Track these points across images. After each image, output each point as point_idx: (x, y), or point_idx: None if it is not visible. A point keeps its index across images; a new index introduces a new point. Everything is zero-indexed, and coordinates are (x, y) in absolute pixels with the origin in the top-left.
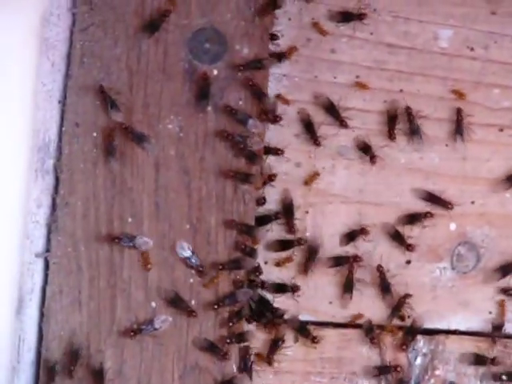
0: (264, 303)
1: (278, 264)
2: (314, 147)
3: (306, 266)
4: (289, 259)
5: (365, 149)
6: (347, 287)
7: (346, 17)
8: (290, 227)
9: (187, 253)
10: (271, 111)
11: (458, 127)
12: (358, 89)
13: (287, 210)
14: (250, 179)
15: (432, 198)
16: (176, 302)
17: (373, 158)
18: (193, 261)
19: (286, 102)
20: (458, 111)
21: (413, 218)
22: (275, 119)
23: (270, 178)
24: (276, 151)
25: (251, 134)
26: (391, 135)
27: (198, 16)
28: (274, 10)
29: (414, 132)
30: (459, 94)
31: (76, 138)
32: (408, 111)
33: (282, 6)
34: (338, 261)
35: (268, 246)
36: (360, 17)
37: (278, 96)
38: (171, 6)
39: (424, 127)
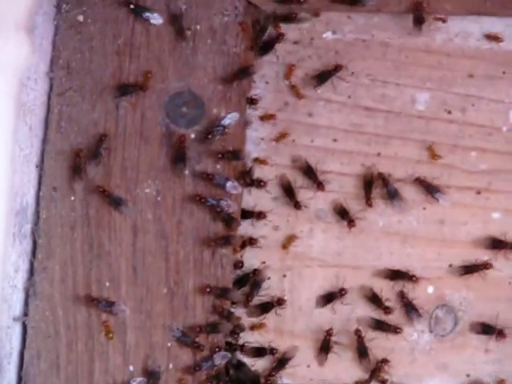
0: (242, 367)
1: (253, 328)
2: (292, 211)
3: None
4: (262, 325)
5: (342, 213)
6: (324, 348)
7: (322, 76)
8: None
9: (178, 333)
10: (249, 175)
11: (430, 190)
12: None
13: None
14: (230, 240)
15: (395, 275)
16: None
17: (350, 223)
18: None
19: (264, 162)
20: (418, 179)
21: (396, 275)
22: (259, 184)
23: (251, 241)
24: (258, 215)
25: (227, 197)
26: (368, 201)
27: (175, 80)
28: (245, 77)
29: (392, 195)
30: (432, 155)
31: (54, 203)
32: (381, 176)
33: (256, 71)
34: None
35: (248, 311)
36: (336, 69)
37: (256, 159)
38: (147, 82)
39: (402, 190)
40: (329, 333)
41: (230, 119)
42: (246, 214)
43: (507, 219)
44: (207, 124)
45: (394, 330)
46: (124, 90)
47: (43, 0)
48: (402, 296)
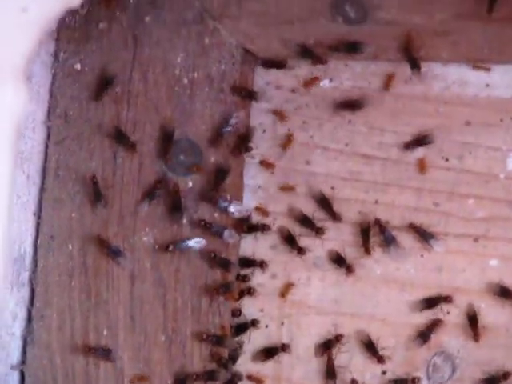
0: None
1: (251, 378)
2: (289, 259)
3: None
4: (259, 380)
5: (339, 260)
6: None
7: None
8: None
9: None
10: (247, 222)
11: (425, 236)
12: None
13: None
14: (229, 288)
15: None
16: None
17: (348, 269)
18: None
19: (266, 213)
20: (411, 225)
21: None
22: (263, 228)
23: (249, 291)
24: (261, 265)
25: (231, 227)
26: (366, 249)
27: (172, 127)
28: (245, 151)
29: (389, 242)
30: (422, 167)
31: (51, 251)
32: (378, 223)
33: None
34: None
35: (253, 356)
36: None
37: (257, 208)
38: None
39: (399, 238)
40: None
41: (235, 118)
42: (248, 263)
43: (505, 266)
44: (206, 171)
45: None
46: (120, 139)
47: (40, 48)
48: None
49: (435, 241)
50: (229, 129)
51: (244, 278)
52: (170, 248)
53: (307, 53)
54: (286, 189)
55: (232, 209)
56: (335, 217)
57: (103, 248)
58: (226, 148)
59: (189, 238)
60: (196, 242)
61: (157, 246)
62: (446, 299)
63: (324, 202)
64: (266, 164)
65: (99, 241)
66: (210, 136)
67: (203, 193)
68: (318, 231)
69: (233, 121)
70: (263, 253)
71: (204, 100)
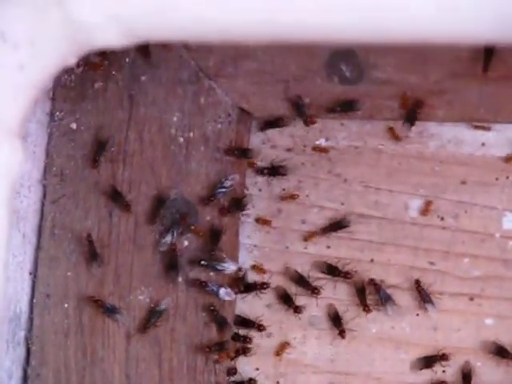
0: None
1: None
2: (285, 317)
3: None
4: None
5: (335, 320)
6: None
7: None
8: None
9: None
10: (242, 282)
11: (423, 297)
12: None
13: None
14: (224, 347)
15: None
16: None
17: (342, 333)
18: None
19: (263, 271)
20: (416, 282)
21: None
22: (262, 287)
23: (244, 350)
24: (259, 327)
25: (227, 286)
26: (365, 308)
27: (168, 187)
28: (239, 209)
29: (385, 301)
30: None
31: (47, 310)
32: (372, 282)
33: (247, 204)
34: None
35: None
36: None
37: (254, 266)
38: None
39: (395, 297)
40: None
41: (231, 181)
42: (245, 323)
43: (500, 325)
44: (202, 230)
45: None
46: (115, 198)
47: (36, 108)
48: None
49: (430, 305)
50: (223, 190)
51: (245, 340)
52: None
53: (299, 110)
54: (263, 221)
55: (221, 293)
56: (314, 292)
57: (99, 307)
58: (222, 207)
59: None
60: None
61: (152, 305)
62: (443, 357)
63: (301, 281)
64: (262, 221)
65: (94, 300)
66: (204, 197)
67: (198, 253)
68: (314, 291)
69: (227, 183)
70: (259, 311)
71: (200, 159)
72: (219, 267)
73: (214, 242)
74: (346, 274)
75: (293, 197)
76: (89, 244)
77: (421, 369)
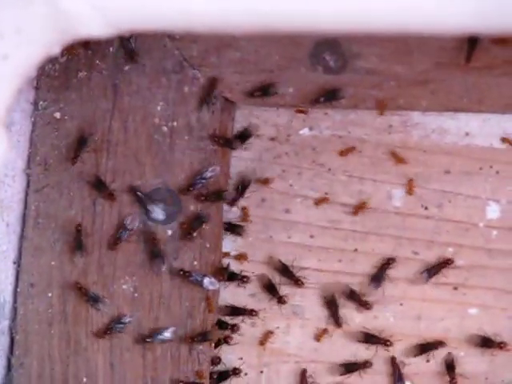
0: None
1: None
2: (268, 307)
3: None
4: None
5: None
6: None
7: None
8: None
9: None
10: (226, 271)
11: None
12: None
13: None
14: (207, 336)
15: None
16: None
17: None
18: None
19: (245, 258)
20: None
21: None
22: (242, 279)
23: (226, 339)
24: (250, 312)
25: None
26: (337, 322)
27: (152, 176)
28: (218, 200)
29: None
30: (398, 159)
31: (31, 299)
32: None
33: (226, 197)
34: None
35: None
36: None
37: (237, 256)
38: None
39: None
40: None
41: (211, 172)
42: (236, 311)
43: (484, 315)
44: (184, 218)
45: None
46: (99, 188)
47: (20, 97)
48: None
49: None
50: (203, 181)
51: (233, 328)
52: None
53: None
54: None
55: (205, 283)
56: (298, 283)
57: (82, 295)
58: (198, 195)
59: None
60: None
61: (136, 295)
62: (441, 344)
63: (285, 270)
64: (245, 213)
65: (78, 287)
66: (183, 186)
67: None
68: (297, 282)
69: (207, 174)
70: (243, 301)
71: (183, 149)
72: (198, 279)
73: (193, 228)
74: (297, 280)
75: (265, 182)
76: (76, 233)
77: (415, 356)
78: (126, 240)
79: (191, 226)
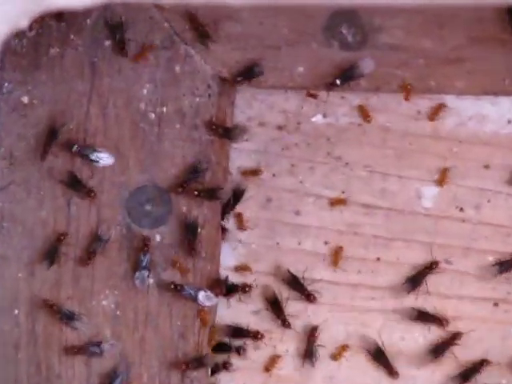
0: None
1: None
2: (275, 326)
3: None
4: None
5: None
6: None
7: None
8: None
9: None
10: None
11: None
12: None
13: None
14: (203, 362)
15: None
16: None
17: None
18: None
19: (248, 269)
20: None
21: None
22: (244, 289)
23: (225, 365)
24: (255, 335)
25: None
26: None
27: (137, 172)
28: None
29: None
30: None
31: None
32: None
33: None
34: None
35: None
36: None
37: (237, 267)
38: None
39: (406, 300)
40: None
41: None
42: (239, 333)
43: None
44: (176, 224)
45: None
46: (75, 184)
47: None
48: None
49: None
50: (196, 176)
51: (238, 351)
52: None
53: None
54: (249, 173)
55: (200, 298)
56: (310, 298)
57: (55, 313)
58: (198, 196)
59: None
60: None
61: (118, 312)
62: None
63: (295, 283)
64: (239, 220)
65: (49, 305)
66: (174, 183)
67: (173, 249)
68: (309, 296)
69: (202, 167)
70: (244, 319)
71: (174, 139)
72: (192, 293)
73: (190, 238)
74: (309, 296)
75: (256, 173)
76: (56, 243)
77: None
78: (101, 253)
79: (188, 235)
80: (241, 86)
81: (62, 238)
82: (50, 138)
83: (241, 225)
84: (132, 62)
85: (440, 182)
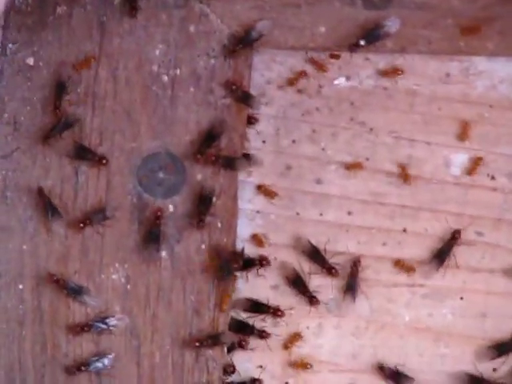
0: None
1: None
2: (295, 302)
3: None
4: None
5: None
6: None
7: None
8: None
9: None
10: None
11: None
12: None
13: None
14: (219, 339)
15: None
16: None
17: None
18: None
19: (262, 243)
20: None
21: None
22: (261, 262)
23: (240, 343)
24: (275, 312)
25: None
26: (311, 300)
27: (149, 138)
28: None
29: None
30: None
31: None
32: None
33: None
34: None
35: None
36: None
37: (254, 236)
38: None
39: (434, 274)
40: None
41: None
42: (258, 308)
43: None
44: (190, 194)
45: None
46: (83, 154)
47: None
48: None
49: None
50: (212, 142)
51: (262, 334)
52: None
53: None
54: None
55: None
56: (331, 272)
57: (61, 288)
58: (216, 163)
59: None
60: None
61: (129, 286)
62: None
63: (316, 256)
64: (265, 191)
65: (55, 280)
66: (191, 150)
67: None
68: (331, 271)
69: (218, 132)
70: (263, 294)
71: (188, 103)
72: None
73: (204, 208)
74: (331, 269)
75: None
76: (40, 198)
77: (492, 359)
78: (96, 224)
79: (200, 206)
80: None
81: (41, 192)
82: (60, 91)
83: (269, 194)
84: (75, 70)
85: (470, 171)
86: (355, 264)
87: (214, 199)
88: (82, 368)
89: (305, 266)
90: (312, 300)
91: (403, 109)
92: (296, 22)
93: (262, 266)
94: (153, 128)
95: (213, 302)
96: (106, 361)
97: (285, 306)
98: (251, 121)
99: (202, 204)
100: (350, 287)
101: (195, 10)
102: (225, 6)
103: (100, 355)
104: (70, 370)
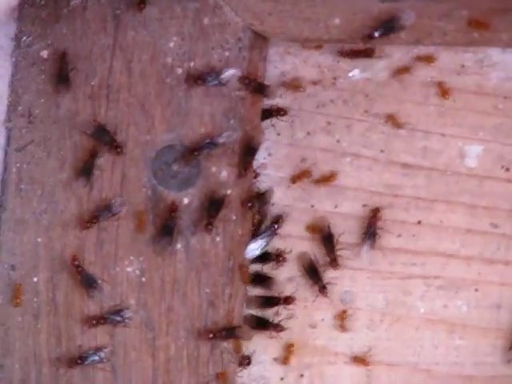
0: None
1: None
2: (310, 294)
3: None
4: None
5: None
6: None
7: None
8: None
9: None
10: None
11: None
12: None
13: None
14: (235, 332)
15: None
16: None
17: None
18: None
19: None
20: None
21: None
22: (278, 259)
23: (278, 258)
24: (286, 300)
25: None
26: (333, 262)
27: (163, 130)
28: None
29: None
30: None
31: (12, 285)
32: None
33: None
34: None
35: None
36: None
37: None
38: None
39: (449, 266)
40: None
41: (225, 138)
42: (269, 302)
43: None
44: (205, 186)
45: None
46: (101, 135)
47: None
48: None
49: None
50: (221, 140)
51: (277, 328)
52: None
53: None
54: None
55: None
56: (333, 263)
57: (76, 275)
58: (231, 156)
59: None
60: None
61: (144, 279)
62: None
63: (312, 270)
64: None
65: (75, 266)
66: (200, 145)
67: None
68: (333, 261)
69: (219, 139)
70: (277, 286)
71: (203, 96)
72: None
73: (214, 211)
74: (332, 261)
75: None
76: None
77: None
78: (125, 217)
79: (210, 209)
80: (273, 39)
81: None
82: (64, 63)
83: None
84: None
85: (443, 95)
86: (374, 213)
87: (224, 204)
88: (78, 361)
89: (320, 258)
90: (323, 290)
91: (418, 100)
92: (310, 14)
93: (278, 262)
94: (167, 120)
95: (228, 294)
96: (102, 354)
97: (300, 298)
98: (281, 113)
99: (213, 207)
100: (369, 236)
101: (209, 3)
102: None
103: (97, 349)
104: (69, 364)
